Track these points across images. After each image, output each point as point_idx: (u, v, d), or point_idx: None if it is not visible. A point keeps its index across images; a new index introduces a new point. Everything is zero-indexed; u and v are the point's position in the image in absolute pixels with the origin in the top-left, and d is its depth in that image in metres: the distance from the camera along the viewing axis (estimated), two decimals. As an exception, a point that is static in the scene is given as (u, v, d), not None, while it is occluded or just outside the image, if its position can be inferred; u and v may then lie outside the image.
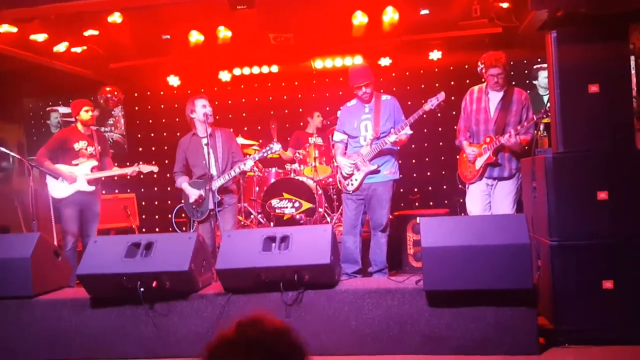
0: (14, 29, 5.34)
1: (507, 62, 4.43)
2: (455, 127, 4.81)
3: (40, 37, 5.70)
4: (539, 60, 7.20)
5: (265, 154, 4.90)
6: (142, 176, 8.24)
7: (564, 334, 3.57)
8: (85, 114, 5.42)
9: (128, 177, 5.49)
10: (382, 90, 4.97)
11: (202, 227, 4.92)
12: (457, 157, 4.81)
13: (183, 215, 6.48)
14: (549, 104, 4.16)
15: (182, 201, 5.09)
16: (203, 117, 4.75)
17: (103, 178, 5.46)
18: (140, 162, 5.41)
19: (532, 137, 4.41)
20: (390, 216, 4.87)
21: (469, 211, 4.63)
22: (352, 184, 4.69)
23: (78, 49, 6.28)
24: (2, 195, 6.98)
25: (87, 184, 5.27)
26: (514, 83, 7.10)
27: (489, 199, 4.53)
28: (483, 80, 4.58)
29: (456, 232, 3.54)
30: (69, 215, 5.25)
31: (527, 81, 7.32)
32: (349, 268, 4.67)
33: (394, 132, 4.53)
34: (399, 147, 4.73)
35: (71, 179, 5.22)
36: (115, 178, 5.67)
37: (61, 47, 6.12)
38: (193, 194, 4.87)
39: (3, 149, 5.22)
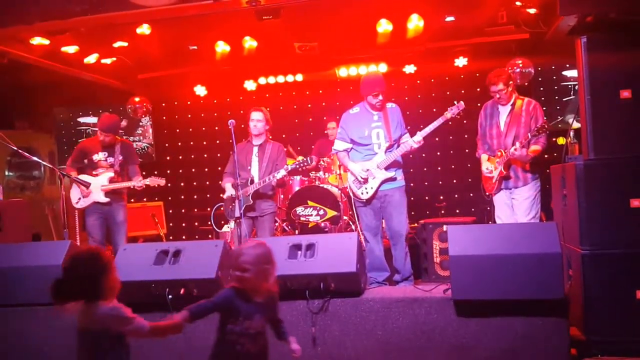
0: (47, 42, 5.48)
1: (508, 78, 4.45)
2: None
3: (71, 49, 5.86)
4: (567, 66, 7.08)
5: (299, 167, 5.00)
6: (169, 185, 8.46)
7: (597, 346, 3.49)
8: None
9: (133, 187, 5.28)
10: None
11: (237, 230, 5.09)
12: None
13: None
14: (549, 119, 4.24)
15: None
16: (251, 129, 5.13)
17: (125, 188, 5.34)
18: (147, 177, 5.29)
19: (543, 147, 4.39)
20: (416, 224, 4.82)
21: (497, 221, 4.66)
22: (366, 192, 4.59)
23: (108, 60, 6.45)
24: (34, 203, 7.13)
25: (103, 195, 5.22)
26: (541, 89, 7.08)
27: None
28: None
29: (485, 241, 3.49)
30: (91, 223, 5.31)
31: (555, 87, 7.21)
32: (379, 276, 4.57)
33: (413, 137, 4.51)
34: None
35: (85, 193, 5.23)
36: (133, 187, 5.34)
37: (91, 59, 6.29)
38: (229, 191, 5.12)
39: (35, 158, 5.32)
